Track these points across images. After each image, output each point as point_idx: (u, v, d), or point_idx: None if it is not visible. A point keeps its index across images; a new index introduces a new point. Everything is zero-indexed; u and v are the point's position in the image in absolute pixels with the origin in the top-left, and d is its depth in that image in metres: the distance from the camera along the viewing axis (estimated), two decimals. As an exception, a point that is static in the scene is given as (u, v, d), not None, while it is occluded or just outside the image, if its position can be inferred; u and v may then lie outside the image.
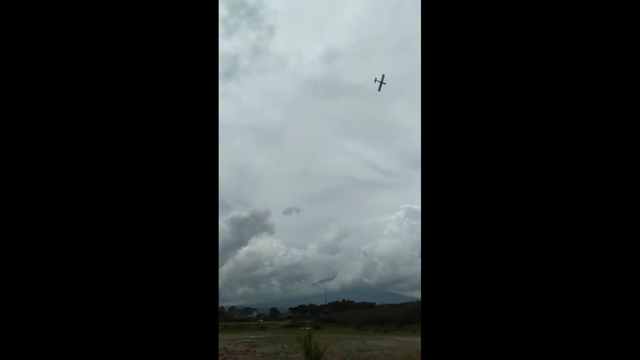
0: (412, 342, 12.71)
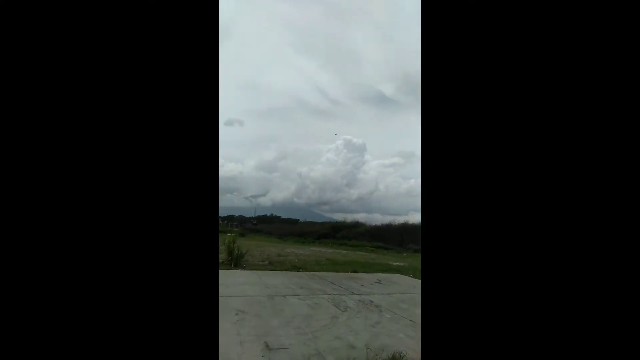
0: (324, 251, 14.45)
